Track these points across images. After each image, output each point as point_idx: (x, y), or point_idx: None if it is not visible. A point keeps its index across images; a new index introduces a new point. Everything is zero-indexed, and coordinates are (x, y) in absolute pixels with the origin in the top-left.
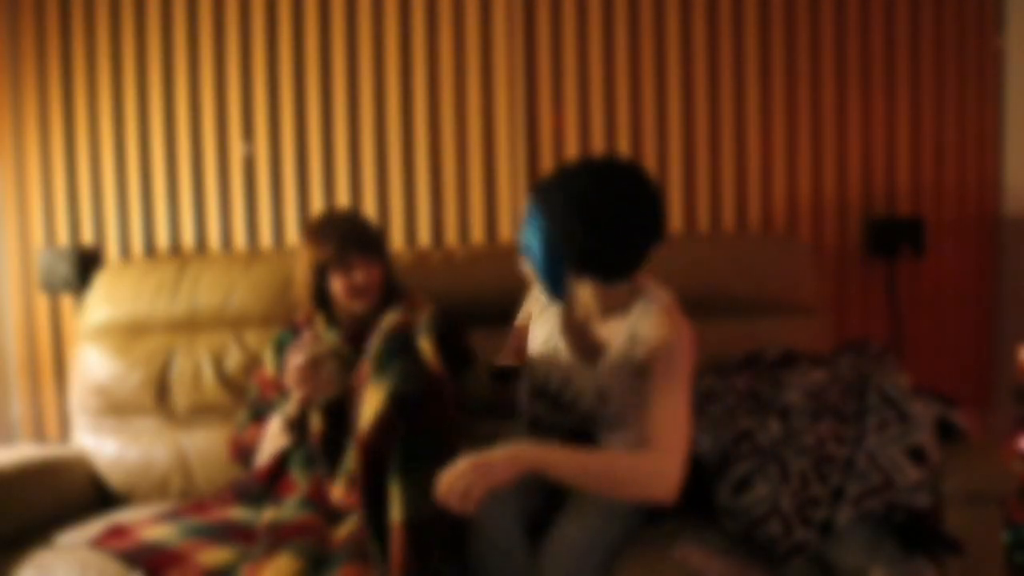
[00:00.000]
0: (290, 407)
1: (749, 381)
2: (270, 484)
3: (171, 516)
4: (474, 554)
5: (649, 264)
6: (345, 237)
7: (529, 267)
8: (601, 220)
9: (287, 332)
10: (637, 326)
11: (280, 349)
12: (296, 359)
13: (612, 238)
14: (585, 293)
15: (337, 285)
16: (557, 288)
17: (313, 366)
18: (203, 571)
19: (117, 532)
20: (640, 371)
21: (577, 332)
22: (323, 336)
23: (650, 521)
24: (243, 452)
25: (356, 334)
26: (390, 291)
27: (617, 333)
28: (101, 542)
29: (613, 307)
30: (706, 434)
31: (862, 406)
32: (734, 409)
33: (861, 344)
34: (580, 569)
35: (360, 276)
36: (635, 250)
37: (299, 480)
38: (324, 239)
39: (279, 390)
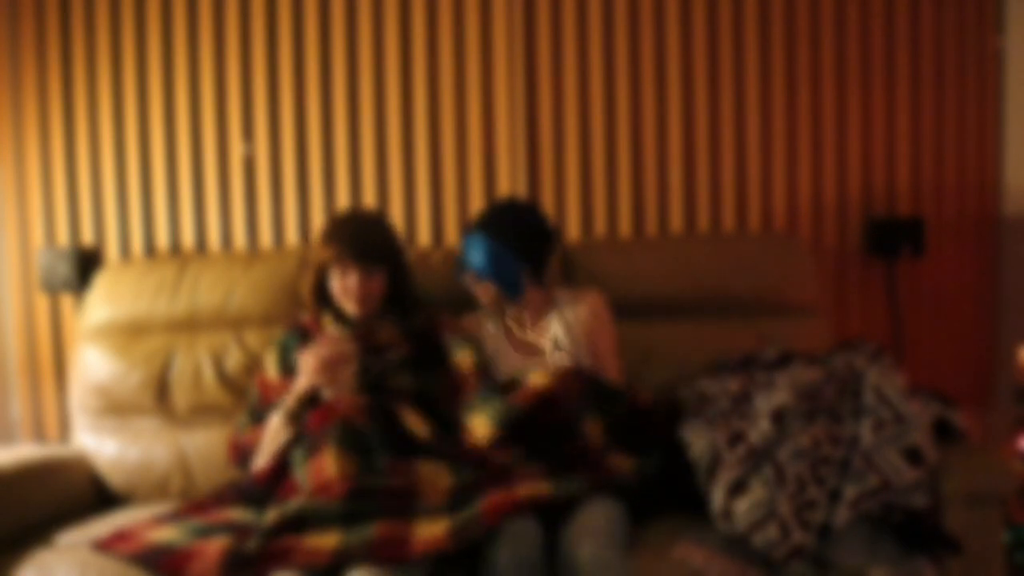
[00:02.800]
0: (290, 399)
1: (743, 383)
2: (273, 486)
3: (173, 518)
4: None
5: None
6: (346, 240)
7: (480, 281)
8: (538, 234)
9: (291, 334)
10: (566, 316)
11: (284, 352)
12: (323, 350)
13: (546, 246)
14: (508, 313)
15: (334, 285)
16: (515, 290)
17: (339, 362)
18: (221, 554)
19: (121, 536)
20: (579, 349)
21: (517, 338)
22: (335, 333)
23: (642, 520)
24: (242, 454)
25: (364, 334)
26: (398, 300)
27: (550, 328)
28: (106, 545)
29: (542, 310)
30: (699, 436)
31: (857, 406)
32: (727, 411)
33: (856, 343)
34: (611, 540)
35: (352, 281)
36: (550, 256)
37: (301, 482)
38: (330, 239)
39: (281, 393)
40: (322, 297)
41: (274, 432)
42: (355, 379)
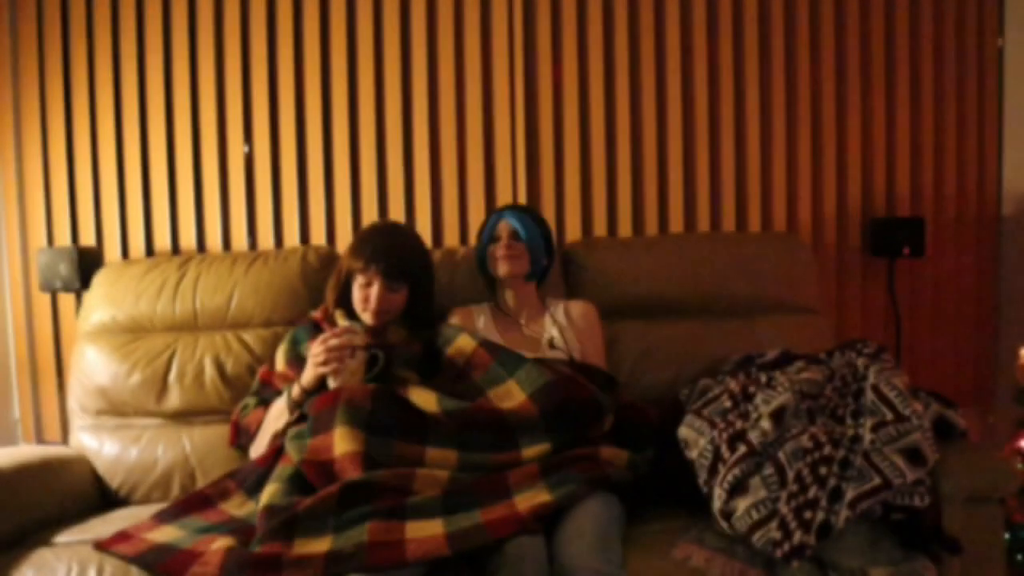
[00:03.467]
0: (295, 388)
1: (742, 383)
2: (272, 467)
3: (173, 516)
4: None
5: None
6: (376, 254)
7: (517, 248)
8: (550, 233)
9: (303, 328)
10: (557, 317)
11: (294, 344)
12: (332, 339)
13: (553, 250)
14: (511, 298)
15: (355, 293)
16: (538, 272)
17: (347, 351)
18: (224, 552)
19: (123, 536)
20: (572, 349)
21: (510, 334)
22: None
23: (635, 514)
24: (242, 435)
25: (375, 335)
26: (415, 317)
27: (544, 325)
28: (108, 545)
29: (537, 310)
30: (699, 436)
31: (858, 406)
32: (727, 411)
33: (856, 343)
34: (605, 544)
35: (374, 293)
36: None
37: (294, 456)
38: (360, 249)
39: (285, 380)
40: (345, 301)
41: (275, 416)
42: (362, 369)
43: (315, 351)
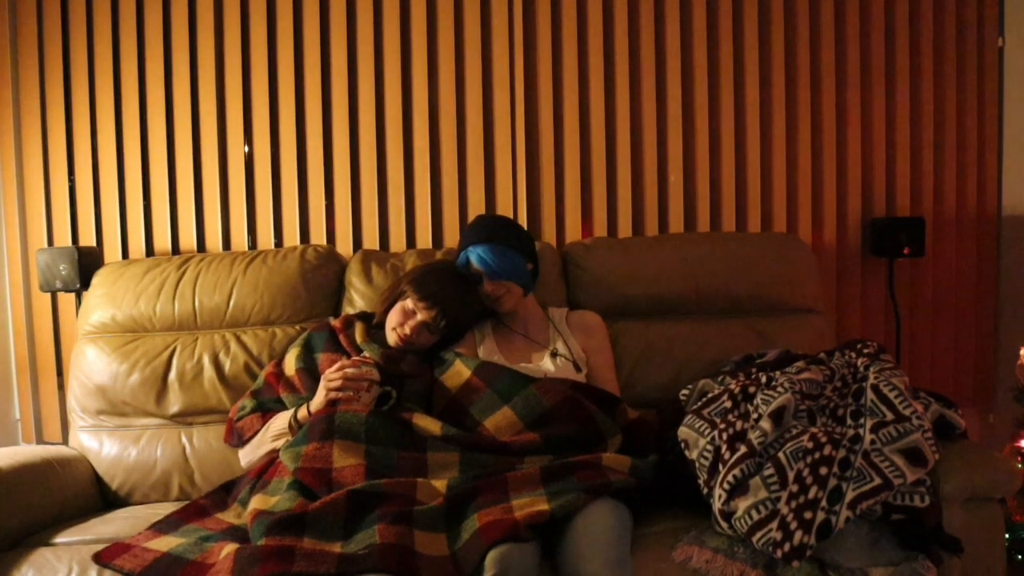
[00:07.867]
0: (302, 411)
1: (742, 383)
2: (263, 477)
3: (173, 525)
4: None
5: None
6: (435, 296)
7: (502, 282)
8: (529, 237)
9: (318, 334)
10: (560, 327)
11: (308, 349)
12: (351, 370)
13: (535, 250)
14: (510, 317)
15: (396, 310)
16: (531, 286)
17: (365, 385)
18: (232, 554)
19: (121, 547)
20: (577, 359)
21: (511, 346)
22: (366, 351)
23: (637, 518)
24: (237, 436)
25: (390, 360)
26: (432, 355)
27: (547, 334)
28: (108, 557)
29: (538, 321)
30: (700, 436)
31: (858, 406)
32: (728, 411)
33: (856, 343)
34: (621, 560)
35: (411, 325)
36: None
37: (288, 464)
38: (424, 279)
39: (291, 388)
40: (383, 312)
41: (274, 435)
42: (372, 404)
43: (331, 376)
